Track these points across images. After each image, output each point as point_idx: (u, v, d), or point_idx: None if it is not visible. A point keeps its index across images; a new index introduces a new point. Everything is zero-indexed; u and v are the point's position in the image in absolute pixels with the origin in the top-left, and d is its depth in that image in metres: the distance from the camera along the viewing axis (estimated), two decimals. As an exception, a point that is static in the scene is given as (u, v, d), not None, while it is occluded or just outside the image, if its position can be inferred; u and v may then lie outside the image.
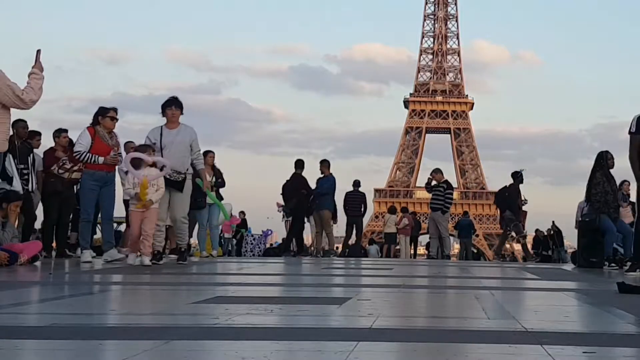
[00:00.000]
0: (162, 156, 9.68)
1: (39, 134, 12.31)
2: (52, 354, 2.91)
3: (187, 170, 9.96)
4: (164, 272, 8.54)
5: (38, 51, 7.98)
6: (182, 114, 10.03)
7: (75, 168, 11.48)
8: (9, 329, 3.41)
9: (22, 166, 11.15)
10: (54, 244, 12.78)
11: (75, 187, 12.46)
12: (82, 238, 10.69)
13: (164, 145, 9.79)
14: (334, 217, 18.03)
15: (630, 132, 9.39)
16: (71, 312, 4.36)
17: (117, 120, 10.52)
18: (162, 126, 9.97)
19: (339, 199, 18.22)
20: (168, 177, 9.64)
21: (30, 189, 11.41)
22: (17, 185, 10.48)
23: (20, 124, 11.20)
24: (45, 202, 12.26)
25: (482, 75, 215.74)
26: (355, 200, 18.69)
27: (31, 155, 11.61)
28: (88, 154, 10.13)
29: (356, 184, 19.14)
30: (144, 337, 3.20)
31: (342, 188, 18.26)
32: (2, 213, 10.11)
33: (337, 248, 19.88)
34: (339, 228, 20.69)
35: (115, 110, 10.53)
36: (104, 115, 10.35)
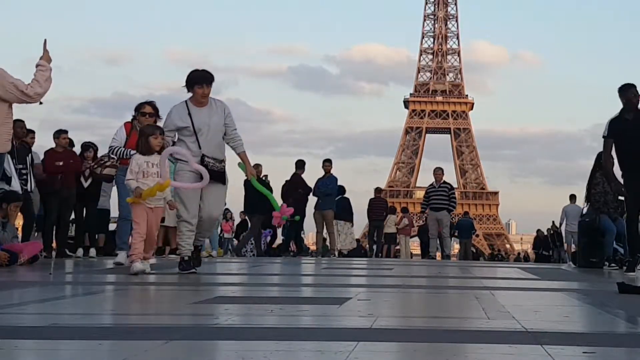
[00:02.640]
0: (197, 141, 7.95)
1: (32, 132, 12.29)
2: (52, 354, 2.91)
3: (225, 158, 8.23)
4: (164, 272, 8.53)
5: (45, 42, 7.92)
6: None
7: (108, 164, 11.03)
8: (9, 329, 3.40)
9: (20, 166, 11.14)
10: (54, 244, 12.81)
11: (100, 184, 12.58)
12: (119, 237, 10.08)
13: (198, 129, 7.94)
14: (350, 220, 18.73)
15: (603, 136, 9.51)
16: (71, 312, 4.36)
17: (153, 116, 9.48)
18: (186, 102, 8.09)
19: (362, 204, 19.58)
20: (205, 165, 7.83)
21: (29, 189, 11.40)
22: (15, 185, 10.47)
23: (18, 123, 11.17)
24: (45, 202, 12.28)
25: (482, 76, 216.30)
26: (379, 206, 20.68)
27: (29, 155, 11.61)
28: (120, 148, 9.52)
29: (378, 190, 21.47)
30: (144, 337, 3.20)
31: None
32: (2, 213, 10.11)
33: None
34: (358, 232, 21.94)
35: (150, 104, 9.60)
36: (138, 111, 9.57)
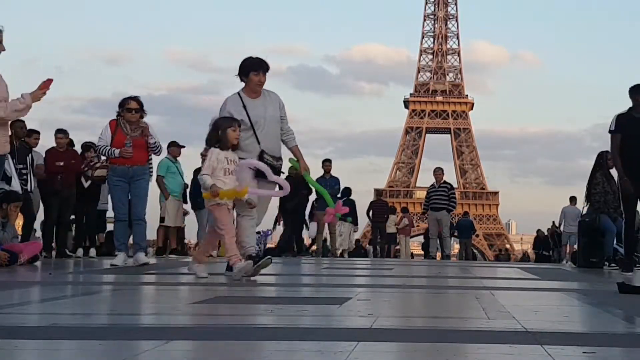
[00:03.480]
0: (255, 136, 7.31)
1: (37, 132, 12.31)
2: (52, 354, 2.91)
3: (282, 155, 7.63)
4: (164, 272, 8.53)
5: (49, 81, 7.68)
6: None
7: (98, 165, 10.76)
8: (9, 329, 3.40)
9: (20, 166, 11.15)
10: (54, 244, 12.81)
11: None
12: (116, 239, 9.78)
13: (255, 122, 7.30)
14: (355, 223, 19.20)
15: (609, 131, 9.46)
16: (71, 312, 4.36)
17: (139, 111, 9.35)
18: (239, 94, 7.46)
19: (362, 204, 20.55)
20: (266, 162, 7.24)
21: (29, 189, 11.40)
22: (15, 185, 10.47)
23: (18, 124, 11.22)
24: (45, 202, 12.29)
25: (482, 76, 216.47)
26: (381, 208, 21.55)
27: (30, 155, 11.61)
28: (107, 147, 9.31)
29: (379, 193, 22.13)
30: (144, 337, 3.20)
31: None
32: (2, 213, 10.12)
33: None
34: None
35: (135, 99, 9.38)
36: (123, 107, 9.35)
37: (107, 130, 9.40)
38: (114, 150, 9.30)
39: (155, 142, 9.49)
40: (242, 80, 7.44)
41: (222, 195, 6.92)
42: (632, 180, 9.25)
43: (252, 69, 7.38)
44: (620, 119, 9.40)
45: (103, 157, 9.89)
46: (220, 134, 7.01)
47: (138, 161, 9.47)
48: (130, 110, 9.32)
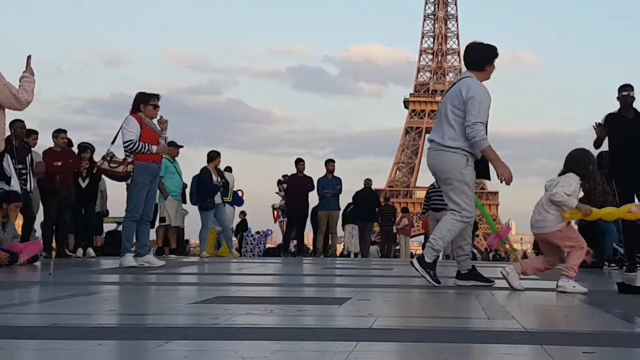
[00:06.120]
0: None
1: (35, 132, 12.31)
2: (52, 354, 2.91)
3: None
4: (164, 272, 8.53)
5: (29, 57, 7.86)
6: None
7: (130, 160, 10.61)
8: (9, 329, 3.40)
9: (20, 166, 11.14)
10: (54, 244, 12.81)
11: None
12: (126, 239, 9.38)
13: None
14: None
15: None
16: (71, 312, 4.36)
17: (159, 107, 9.32)
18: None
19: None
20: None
21: (28, 189, 11.40)
22: (15, 185, 10.46)
23: (17, 124, 11.22)
24: (44, 202, 12.29)
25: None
26: (389, 212, 22.32)
27: (29, 155, 11.61)
28: (142, 144, 9.01)
29: (387, 198, 23.30)
30: (144, 337, 3.20)
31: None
32: (2, 213, 10.11)
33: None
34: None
35: (158, 97, 9.30)
36: (146, 103, 9.17)
37: (136, 124, 9.08)
38: (151, 147, 9.05)
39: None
40: (483, 69, 6.55)
41: (595, 215, 6.35)
42: (623, 180, 9.30)
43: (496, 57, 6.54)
44: (609, 116, 9.51)
45: (129, 153, 9.17)
46: (586, 166, 6.46)
47: (162, 159, 9.53)
48: (155, 107, 9.21)
